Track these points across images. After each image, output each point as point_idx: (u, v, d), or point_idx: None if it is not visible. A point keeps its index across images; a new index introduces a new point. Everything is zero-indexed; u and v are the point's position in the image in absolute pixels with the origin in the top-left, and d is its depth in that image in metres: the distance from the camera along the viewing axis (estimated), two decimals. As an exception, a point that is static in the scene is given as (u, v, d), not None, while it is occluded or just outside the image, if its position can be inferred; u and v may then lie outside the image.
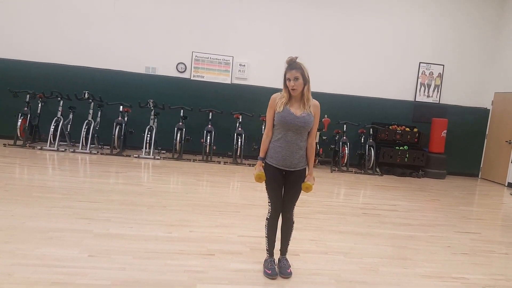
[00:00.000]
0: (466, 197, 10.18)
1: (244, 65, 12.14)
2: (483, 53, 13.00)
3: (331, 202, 8.42)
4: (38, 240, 4.78)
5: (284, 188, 4.46)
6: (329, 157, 12.04)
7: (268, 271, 4.47)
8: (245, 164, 11.15)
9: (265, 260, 4.62)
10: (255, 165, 4.50)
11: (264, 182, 4.41)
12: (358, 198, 9.08)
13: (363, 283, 4.53)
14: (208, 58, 12.04)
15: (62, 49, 11.54)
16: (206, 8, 11.93)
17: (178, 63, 12.00)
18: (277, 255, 4.73)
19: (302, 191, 4.46)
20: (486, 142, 13.16)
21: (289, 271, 4.54)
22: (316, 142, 11.55)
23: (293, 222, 4.64)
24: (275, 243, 4.66)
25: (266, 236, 4.58)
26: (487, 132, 13.12)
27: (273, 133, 4.41)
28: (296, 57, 4.27)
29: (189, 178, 9.13)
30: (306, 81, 4.23)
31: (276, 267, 4.56)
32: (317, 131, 11.08)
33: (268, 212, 4.48)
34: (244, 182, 9.30)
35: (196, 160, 11.11)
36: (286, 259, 4.67)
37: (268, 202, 4.47)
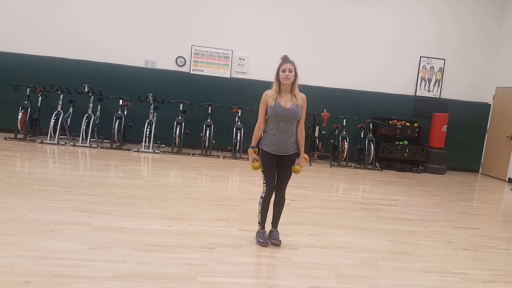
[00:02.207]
0: (466, 192, 10.19)
1: (243, 59, 12.12)
2: (485, 48, 12.96)
3: (331, 196, 8.44)
4: (40, 232, 4.79)
5: (277, 170, 5.06)
6: (329, 152, 12.03)
7: (260, 240, 5.13)
8: (244, 158, 11.13)
9: (258, 232, 5.27)
10: (254, 159, 5.05)
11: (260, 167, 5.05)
12: (358, 193, 9.09)
13: (362, 277, 4.54)
14: (207, 51, 12.03)
15: (62, 43, 11.51)
16: (206, 2, 11.90)
17: (178, 57, 11.98)
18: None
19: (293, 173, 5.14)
20: (487, 137, 13.14)
21: (280, 239, 5.19)
22: (315, 137, 11.63)
23: (285, 200, 5.26)
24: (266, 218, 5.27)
25: (260, 212, 5.19)
26: (488, 127, 13.09)
27: (266, 124, 5.04)
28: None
29: (189, 172, 9.14)
30: (296, 75, 4.90)
31: (267, 237, 5.20)
32: (317, 125, 11.16)
33: (263, 192, 5.08)
34: (243, 176, 9.31)
35: (195, 154, 11.11)
36: (277, 231, 5.29)
37: (263, 183, 5.06)
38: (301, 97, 4.96)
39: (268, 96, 4.88)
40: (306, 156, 5.18)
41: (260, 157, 5.03)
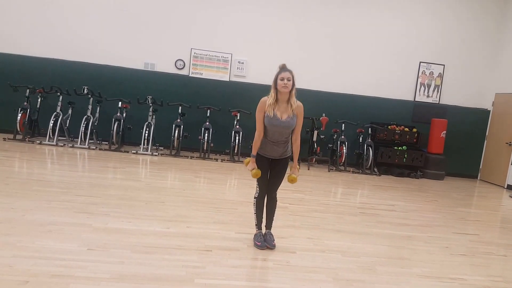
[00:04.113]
0: (464, 198, 10.20)
1: (242, 63, 12.13)
2: (485, 54, 12.98)
3: (328, 201, 8.44)
4: (38, 233, 4.79)
5: (270, 173, 5.15)
6: (327, 156, 12.02)
7: (258, 243, 5.18)
8: (242, 161, 11.10)
9: (255, 235, 5.31)
10: (254, 168, 5.02)
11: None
12: (356, 197, 9.10)
13: (360, 281, 4.54)
14: (206, 55, 12.04)
15: (62, 45, 11.53)
16: (205, 5, 11.92)
17: (177, 60, 11.99)
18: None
19: (288, 182, 5.14)
20: (486, 144, 13.14)
21: (274, 243, 5.22)
22: (314, 141, 11.63)
23: (277, 201, 5.35)
24: (262, 219, 5.36)
25: (254, 213, 5.30)
26: (487, 134, 13.09)
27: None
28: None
29: (187, 174, 9.14)
30: (294, 84, 4.91)
31: (263, 239, 5.23)
32: (315, 129, 11.14)
33: (256, 193, 5.20)
34: (241, 179, 9.31)
35: (193, 157, 11.10)
36: (271, 233, 5.34)
37: (257, 185, 5.17)
38: (298, 105, 4.97)
39: (267, 105, 4.89)
40: (297, 167, 5.19)
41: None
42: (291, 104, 4.90)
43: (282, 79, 4.81)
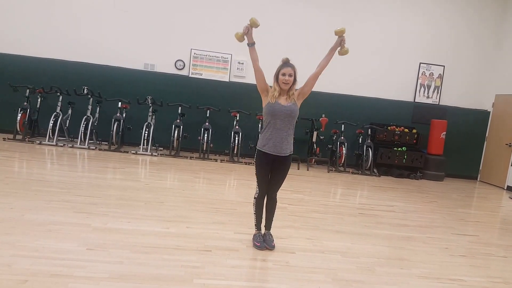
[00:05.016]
0: (464, 199, 10.19)
1: (242, 63, 12.12)
2: (484, 55, 12.99)
3: (328, 201, 8.43)
4: (37, 232, 4.79)
5: (271, 173, 5.06)
6: (327, 157, 12.02)
7: (257, 244, 5.15)
8: (242, 162, 11.12)
9: (254, 235, 5.29)
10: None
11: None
12: (355, 198, 9.10)
13: (359, 282, 4.54)
14: (206, 55, 12.04)
15: (62, 45, 11.53)
16: (205, 5, 11.93)
17: (177, 60, 11.99)
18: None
19: (342, 56, 5.49)
20: (485, 145, 13.14)
21: (273, 244, 5.21)
22: (313, 142, 11.63)
23: (276, 202, 5.31)
24: (262, 219, 5.35)
25: (254, 213, 5.27)
26: (487, 135, 13.10)
27: (262, 127, 5.10)
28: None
29: (186, 175, 9.13)
30: (296, 79, 4.96)
31: (263, 240, 5.21)
32: (315, 130, 11.11)
33: (256, 193, 5.16)
34: (241, 180, 9.30)
35: (193, 157, 11.10)
36: (271, 234, 5.32)
37: (256, 185, 5.12)
38: (296, 90, 5.04)
39: (270, 93, 4.93)
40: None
41: (255, 159, 5.05)
42: (290, 95, 4.95)
43: (284, 75, 4.85)
